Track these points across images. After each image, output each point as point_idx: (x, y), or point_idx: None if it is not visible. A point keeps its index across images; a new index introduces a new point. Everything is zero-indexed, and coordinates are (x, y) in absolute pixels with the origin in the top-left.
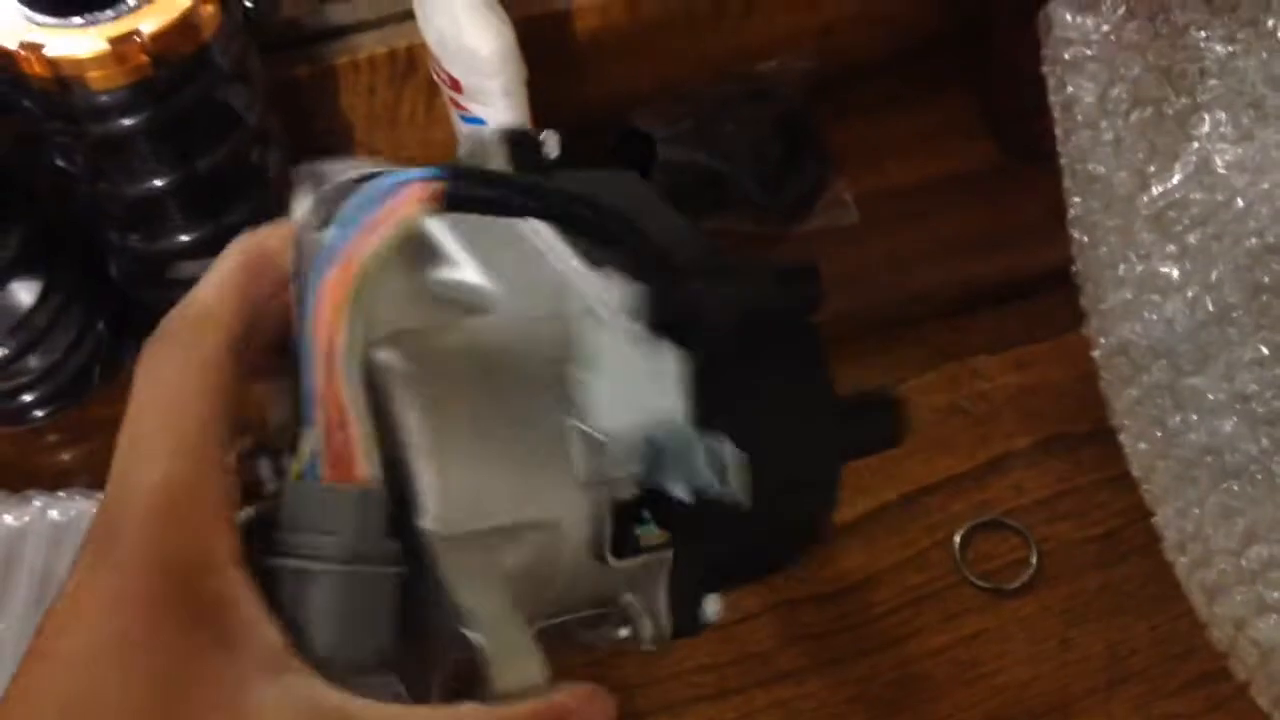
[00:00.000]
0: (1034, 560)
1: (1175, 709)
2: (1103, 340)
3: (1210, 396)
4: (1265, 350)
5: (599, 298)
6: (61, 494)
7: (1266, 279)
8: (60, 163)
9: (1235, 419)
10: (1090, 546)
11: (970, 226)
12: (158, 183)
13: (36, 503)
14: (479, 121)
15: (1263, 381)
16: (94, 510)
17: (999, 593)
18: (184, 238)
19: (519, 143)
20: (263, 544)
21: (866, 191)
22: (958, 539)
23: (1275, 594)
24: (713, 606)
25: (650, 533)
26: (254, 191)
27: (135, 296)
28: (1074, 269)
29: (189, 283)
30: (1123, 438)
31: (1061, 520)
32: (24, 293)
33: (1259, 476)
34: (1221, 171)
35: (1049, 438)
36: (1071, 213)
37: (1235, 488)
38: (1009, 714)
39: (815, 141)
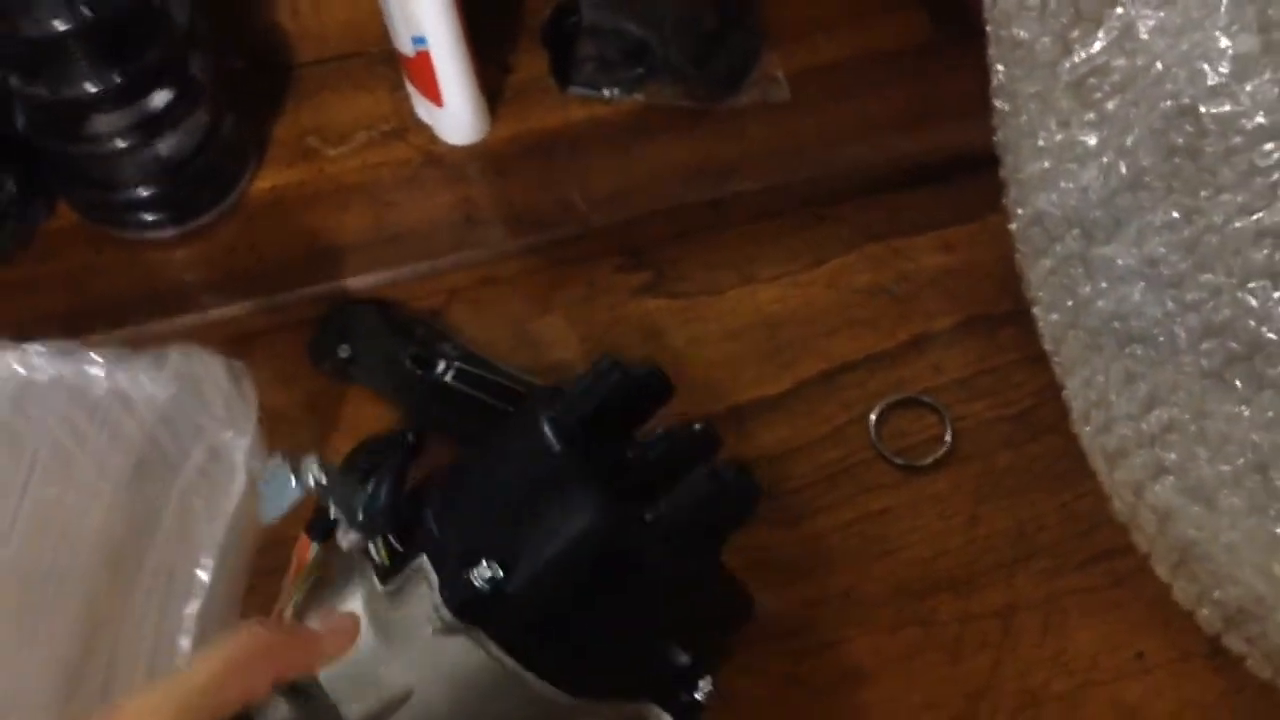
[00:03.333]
0: (948, 438)
1: (1077, 583)
2: (1020, 211)
3: (1120, 263)
4: (1175, 214)
5: None
6: None
7: (1180, 140)
8: None
9: (1143, 284)
10: (1004, 425)
11: (899, 104)
12: (58, 25)
13: None
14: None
15: (1170, 245)
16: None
17: (912, 469)
18: (90, 87)
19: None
20: None
21: (796, 67)
22: (874, 416)
23: (1172, 456)
24: (705, 687)
25: None
26: (161, 38)
27: (43, 150)
28: (995, 139)
29: (99, 138)
30: (1036, 310)
31: (978, 399)
32: None
33: (1161, 340)
34: (1144, 37)
35: (969, 318)
36: (994, 81)
37: (1139, 352)
38: (913, 587)
39: (747, 13)
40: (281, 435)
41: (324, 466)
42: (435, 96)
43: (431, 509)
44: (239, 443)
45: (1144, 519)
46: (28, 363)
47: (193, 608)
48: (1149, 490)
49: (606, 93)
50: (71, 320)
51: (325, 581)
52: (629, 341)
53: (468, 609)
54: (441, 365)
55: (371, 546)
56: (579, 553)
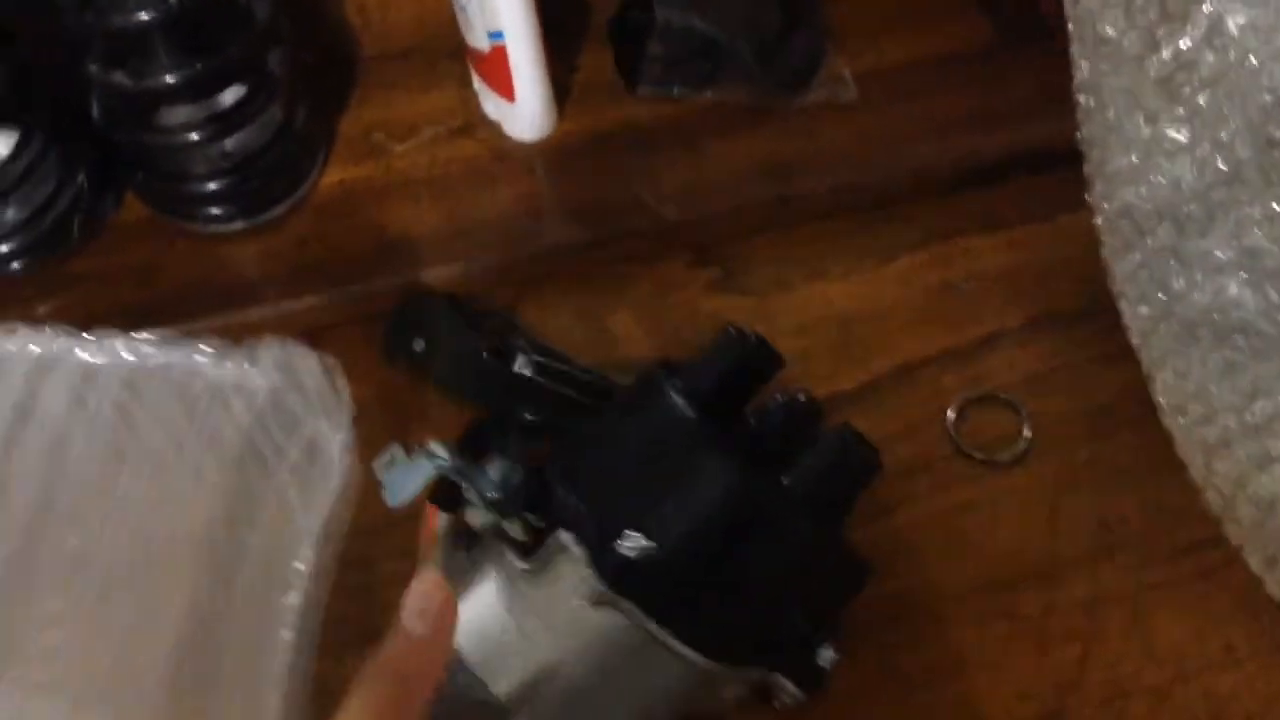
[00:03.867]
0: (1026, 433)
1: (1164, 576)
2: (1106, 206)
3: (1217, 255)
4: (1277, 206)
5: None
6: (45, 329)
7: (1279, 134)
8: None
9: (1243, 276)
10: (1082, 420)
11: (965, 105)
12: (144, 15)
13: (19, 334)
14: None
15: (1272, 237)
16: (76, 348)
17: (991, 465)
18: (169, 78)
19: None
20: None
21: (862, 68)
22: (951, 412)
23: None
24: (828, 654)
25: None
26: (243, 33)
27: (117, 141)
28: (1078, 134)
29: (174, 130)
30: (1122, 304)
31: (1053, 395)
32: (1, 141)
33: (1264, 331)
34: (1234, 33)
35: (1041, 316)
36: (1078, 77)
37: (1240, 343)
38: (998, 580)
39: (813, 14)
40: (358, 429)
41: (448, 448)
42: (507, 92)
43: (561, 484)
44: (335, 435)
45: (1242, 511)
46: (136, 350)
47: (292, 599)
48: (1253, 481)
49: (675, 90)
50: (140, 313)
51: (456, 565)
52: (700, 338)
53: (619, 579)
54: (520, 359)
55: (507, 525)
56: (721, 517)
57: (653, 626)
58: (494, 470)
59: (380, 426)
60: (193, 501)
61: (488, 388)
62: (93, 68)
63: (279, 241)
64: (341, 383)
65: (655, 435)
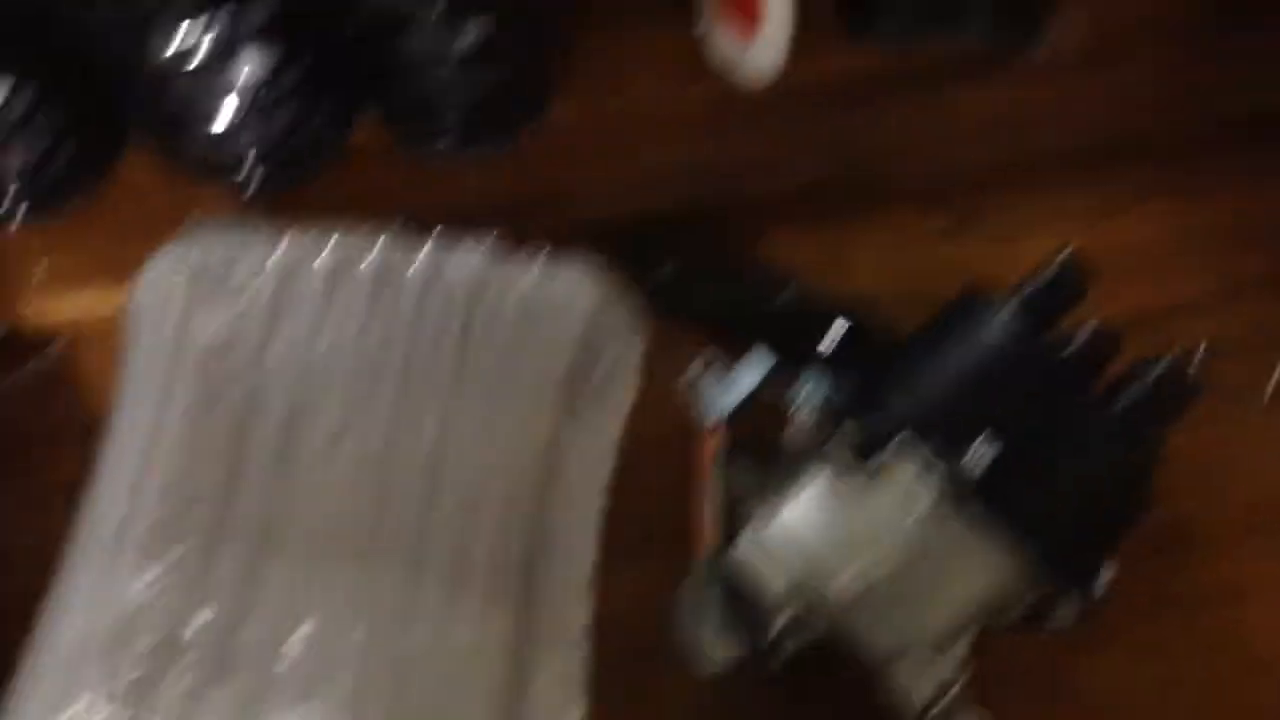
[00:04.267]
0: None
1: None
2: None
3: None
4: None
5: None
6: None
7: None
8: None
9: None
10: None
11: (1202, 60)
12: None
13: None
14: None
15: None
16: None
17: (1245, 405)
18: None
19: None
20: None
21: (1097, 20)
22: (1200, 354)
23: None
24: (1107, 573)
25: None
26: None
27: (360, 68)
28: None
29: (424, 56)
30: None
31: None
32: (259, 61)
33: None
34: None
35: None
36: None
37: None
38: (1263, 512)
39: None
40: None
41: (766, 355)
42: (748, 32)
43: (893, 392)
44: (630, 354)
45: None
46: (469, 263)
47: (597, 511)
48: None
49: (903, 40)
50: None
51: (769, 479)
52: (939, 283)
53: (973, 482)
54: (790, 287)
55: (847, 427)
56: (1057, 433)
57: (993, 527)
58: (818, 379)
59: None
60: (531, 419)
61: (746, 316)
62: None
63: (513, 172)
64: (629, 298)
65: (984, 349)
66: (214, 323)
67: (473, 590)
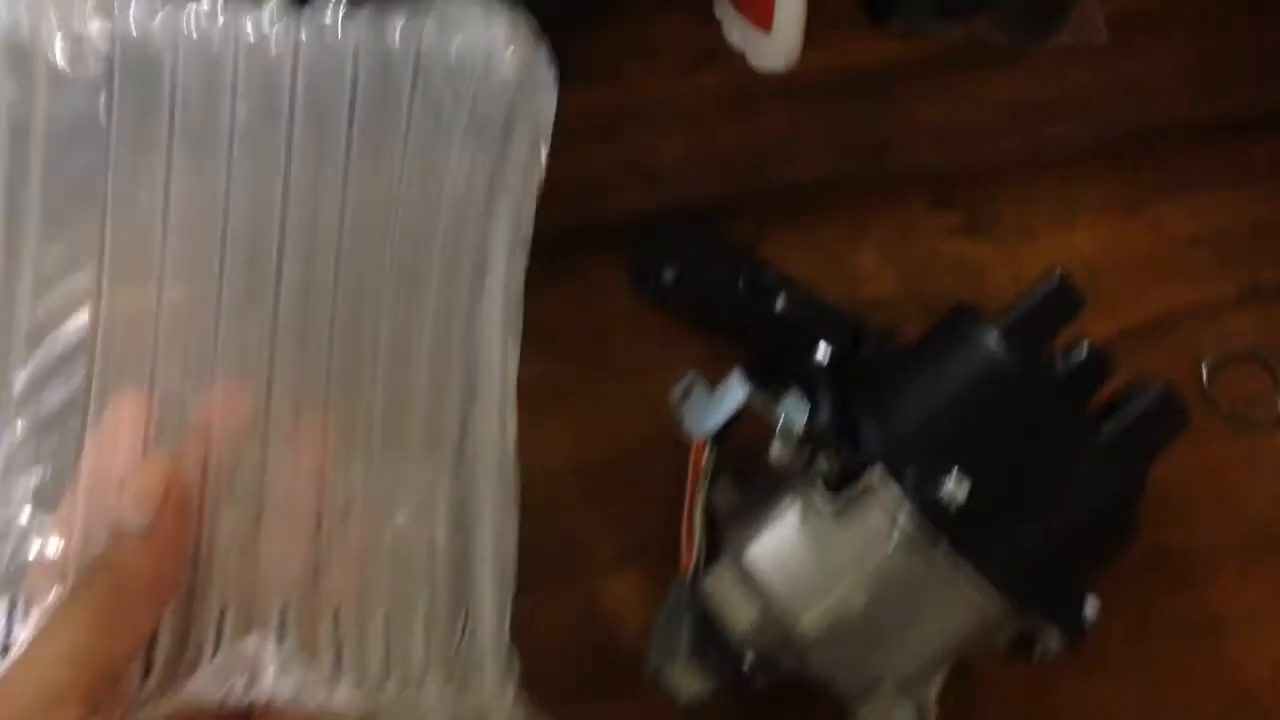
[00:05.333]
0: None
1: None
2: None
3: None
4: None
5: None
6: None
7: None
8: None
9: None
10: None
11: (1224, 52)
12: None
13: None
14: None
15: None
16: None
17: (1247, 425)
18: None
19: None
20: None
21: (1116, 9)
22: (1204, 367)
23: None
24: (1092, 605)
25: None
26: None
27: None
28: None
29: None
30: None
31: None
32: None
33: None
34: None
35: None
36: None
37: None
38: (1255, 541)
39: None
40: (604, 354)
41: (748, 376)
42: (764, 21)
43: (871, 420)
44: (549, 107)
45: None
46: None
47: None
48: None
49: (924, 28)
50: None
51: (758, 499)
52: (946, 280)
53: (943, 517)
54: (781, 295)
55: (820, 458)
56: (1040, 463)
57: (967, 565)
58: (797, 404)
59: (630, 351)
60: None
61: (740, 320)
62: None
63: None
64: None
65: (967, 374)
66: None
67: (413, 444)
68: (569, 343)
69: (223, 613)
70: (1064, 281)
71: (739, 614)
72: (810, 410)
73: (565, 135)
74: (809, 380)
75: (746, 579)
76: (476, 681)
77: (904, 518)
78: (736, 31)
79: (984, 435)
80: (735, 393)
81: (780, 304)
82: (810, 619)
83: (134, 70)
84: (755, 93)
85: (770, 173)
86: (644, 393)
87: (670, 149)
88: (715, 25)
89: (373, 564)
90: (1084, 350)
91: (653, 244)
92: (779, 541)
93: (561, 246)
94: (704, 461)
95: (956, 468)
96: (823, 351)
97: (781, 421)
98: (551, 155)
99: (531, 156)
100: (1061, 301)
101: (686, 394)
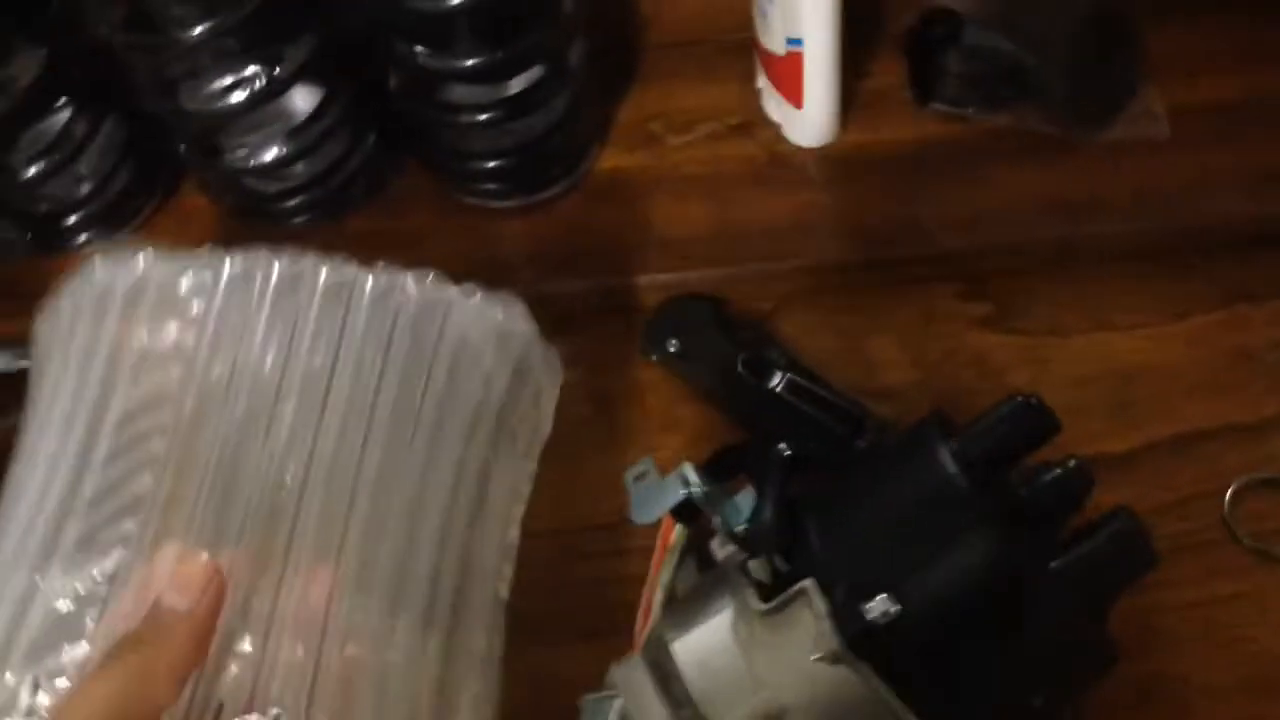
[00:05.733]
0: None
1: None
2: None
3: None
4: None
5: None
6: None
7: None
8: None
9: None
10: None
11: None
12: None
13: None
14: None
15: None
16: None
17: (1267, 556)
18: (469, 61)
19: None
20: None
21: (1176, 104)
22: (1229, 492)
23: None
24: None
25: None
26: (547, 23)
27: (408, 113)
28: None
29: (465, 109)
30: None
31: None
32: (304, 100)
33: None
34: None
35: None
36: None
37: None
38: (1259, 684)
39: (1129, 44)
40: (604, 418)
41: (701, 474)
42: (796, 98)
43: (814, 529)
44: (552, 389)
45: None
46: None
47: (513, 537)
48: None
49: (969, 110)
50: None
51: (696, 593)
52: (966, 375)
53: (859, 642)
54: (777, 376)
55: (752, 563)
56: (981, 594)
57: (887, 694)
58: (745, 502)
59: (631, 418)
60: (469, 446)
61: (739, 399)
62: (397, 43)
63: (549, 223)
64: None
65: (920, 495)
66: (156, 333)
67: (412, 610)
68: (572, 402)
69: (221, 705)
70: (1032, 407)
71: (655, 712)
72: (754, 511)
73: (594, 197)
74: (765, 478)
75: (666, 674)
76: None
77: (826, 635)
78: (774, 104)
79: (925, 557)
80: (676, 489)
81: (778, 385)
82: None
83: None
84: (788, 167)
85: (793, 250)
86: (636, 460)
87: (694, 218)
88: (756, 96)
89: (359, 689)
90: (1054, 471)
91: (663, 313)
92: (708, 638)
93: (575, 308)
94: (672, 540)
95: (881, 590)
96: (781, 450)
97: (727, 517)
98: (581, 218)
99: (528, 452)
100: (1029, 423)
101: (639, 479)
